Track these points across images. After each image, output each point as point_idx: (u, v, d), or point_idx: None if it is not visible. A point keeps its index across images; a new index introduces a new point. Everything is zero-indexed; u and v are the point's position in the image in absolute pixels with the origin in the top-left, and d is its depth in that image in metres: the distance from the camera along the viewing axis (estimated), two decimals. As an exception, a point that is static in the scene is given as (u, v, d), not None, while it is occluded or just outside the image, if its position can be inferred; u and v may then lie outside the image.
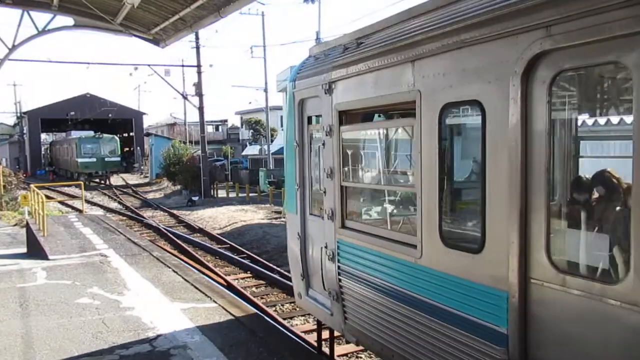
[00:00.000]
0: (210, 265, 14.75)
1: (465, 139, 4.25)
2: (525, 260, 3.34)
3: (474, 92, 3.69)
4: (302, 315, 10.73)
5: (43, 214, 14.50)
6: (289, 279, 12.86)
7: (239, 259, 15.57)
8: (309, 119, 6.40)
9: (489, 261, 3.58)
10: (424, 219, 4.19)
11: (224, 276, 13.45)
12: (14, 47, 9.91)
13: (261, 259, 15.48)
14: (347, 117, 5.51)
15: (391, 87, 4.62)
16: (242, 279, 13.63)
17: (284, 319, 10.37)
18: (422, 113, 4.19)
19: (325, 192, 5.75)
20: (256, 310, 8.98)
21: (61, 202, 29.68)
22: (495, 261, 3.53)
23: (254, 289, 12.66)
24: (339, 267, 5.52)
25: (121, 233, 14.58)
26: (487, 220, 3.59)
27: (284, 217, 22.95)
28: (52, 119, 66.09)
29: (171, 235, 19.55)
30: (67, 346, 6.45)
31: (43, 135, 75.42)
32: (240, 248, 17.19)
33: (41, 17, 14.86)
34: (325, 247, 5.76)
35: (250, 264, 14.81)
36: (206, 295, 8.48)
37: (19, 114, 72.28)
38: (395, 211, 5.64)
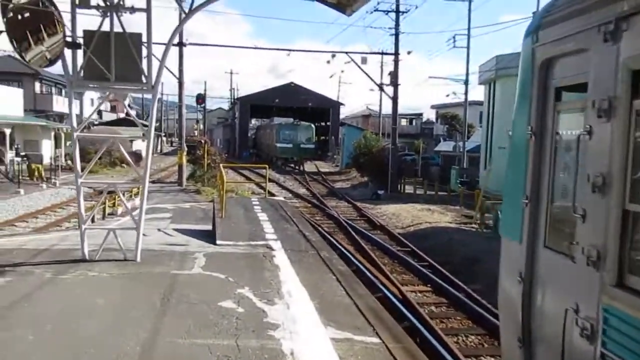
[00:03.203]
0: (386, 270, 13.00)
1: None
2: None
3: None
4: (491, 356, 8.23)
5: (223, 194, 14.23)
6: (477, 303, 10.54)
7: (419, 266, 13.54)
8: (558, 91, 3.88)
9: None
10: None
11: (399, 286, 11.60)
12: (191, 12, 9.69)
13: (444, 271, 13.19)
14: (649, 82, 2.93)
15: None
16: (420, 292, 11.63)
17: (466, 357, 8.05)
18: None
19: (584, 215, 3.22)
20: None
21: (257, 184, 31.02)
22: None
23: (432, 307, 10.57)
24: (602, 354, 3.00)
25: (295, 223, 13.56)
26: None
27: (474, 224, 20.04)
28: (260, 105, 71.44)
29: (350, 229, 18.36)
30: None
31: (253, 121, 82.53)
32: (421, 254, 15.11)
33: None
34: (575, 310, 3.26)
35: (431, 275, 12.66)
36: (369, 322, 6.41)
37: (232, 100, 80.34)
38: None
